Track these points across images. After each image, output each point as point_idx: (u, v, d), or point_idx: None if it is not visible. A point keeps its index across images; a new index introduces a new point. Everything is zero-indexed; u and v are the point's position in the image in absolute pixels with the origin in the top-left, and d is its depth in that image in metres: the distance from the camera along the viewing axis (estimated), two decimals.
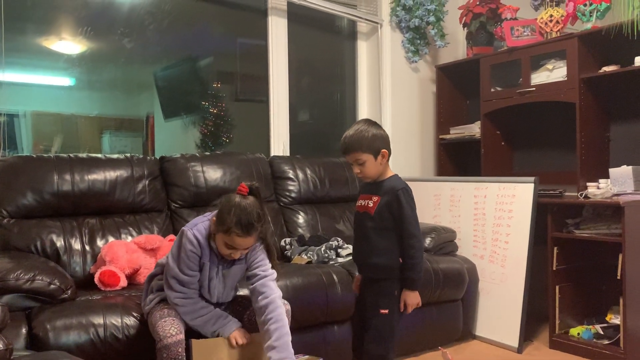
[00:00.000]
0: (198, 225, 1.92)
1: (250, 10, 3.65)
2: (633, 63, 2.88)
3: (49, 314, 1.95)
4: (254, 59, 3.75)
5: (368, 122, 2.09)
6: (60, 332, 1.89)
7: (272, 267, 2.01)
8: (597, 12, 3.05)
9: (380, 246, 2.06)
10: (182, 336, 1.84)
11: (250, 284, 1.99)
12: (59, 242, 2.51)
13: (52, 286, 2.06)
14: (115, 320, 1.98)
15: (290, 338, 1.90)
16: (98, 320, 1.96)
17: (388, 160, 2.09)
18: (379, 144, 2.04)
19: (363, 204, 2.12)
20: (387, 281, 2.06)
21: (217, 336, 1.93)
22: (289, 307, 2.07)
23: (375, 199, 2.08)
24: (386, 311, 2.05)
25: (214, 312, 1.95)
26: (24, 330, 1.88)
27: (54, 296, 2.06)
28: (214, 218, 1.89)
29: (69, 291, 2.10)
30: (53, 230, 2.53)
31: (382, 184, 2.09)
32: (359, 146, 2.03)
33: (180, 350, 1.82)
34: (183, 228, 1.93)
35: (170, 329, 1.84)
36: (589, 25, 3.07)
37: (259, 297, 1.93)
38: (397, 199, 2.03)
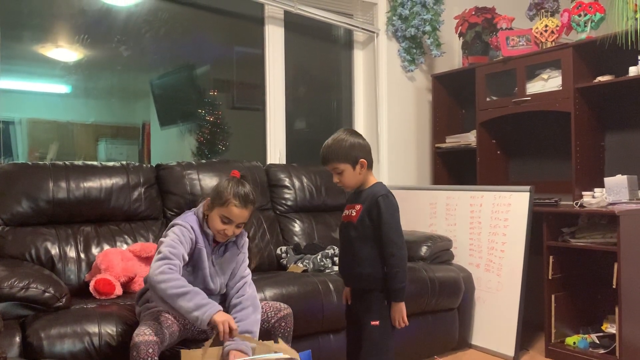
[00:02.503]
0: (187, 217, 2.01)
1: (247, 19, 3.67)
2: (627, 73, 2.91)
3: (43, 322, 1.93)
4: (250, 67, 3.77)
5: (347, 131, 2.08)
6: (54, 340, 1.87)
7: (250, 259, 2.15)
8: (591, 23, 3.08)
9: (363, 256, 2.02)
10: (154, 338, 1.80)
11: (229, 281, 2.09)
12: (54, 250, 2.50)
13: (47, 294, 2.04)
14: (110, 329, 1.97)
15: (250, 334, 1.96)
16: (93, 329, 1.95)
17: (370, 168, 2.07)
18: (356, 153, 2.02)
19: (347, 213, 2.10)
20: (375, 292, 2.02)
21: (195, 316, 1.81)
22: (290, 310, 2.15)
23: (358, 207, 2.05)
24: (377, 323, 2.00)
25: (194, 288, 1.86)
26: (18, 339, 1.87)
27: (49, 304, 2.04)
28: (208, 198, 2.00)
29: (64, 299, 2.09)
30: (48, 238, 2.52)
31: (364, 192, 2.07)
32: (336, 156, 2.02)
33: (151, 351, 1.78)
34: (174, 221, 1.99)
35: (145, 329, 1.83)
36: (583, 36, 3.09)
37: (234, 296, 2.06)
38: (376, 205, 2.00)
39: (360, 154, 2.03)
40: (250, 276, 2.12)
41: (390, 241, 1.98)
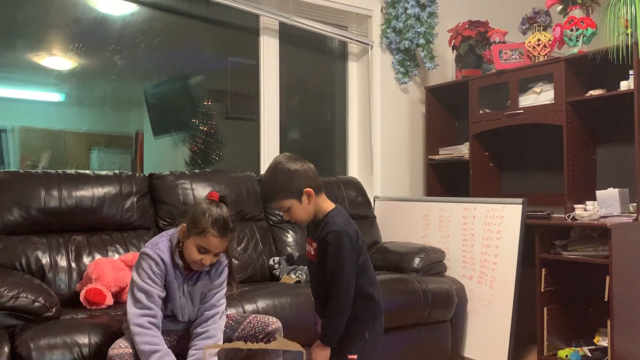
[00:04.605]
0: (159, 245, 1.89)
1: (242, 30, 3.68)
2: (619, 87, 2.93)
3: (32, 332, 1.91)
4: (245, 77, 3.77)
5: (284, 159, 1.83)
6: (43, 351, 1.85)
7: (230, 284, 2.02)
8: (583, 37, 3.11)
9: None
10: (129, 351, 1.79)
11: (200, 306, 1.98)
12: (45, 259, 2.48)
13: (37, 304, 2.03)
14: (100, 339, 1.95)
15: None
16: (83, 339, 1.93)
17: (319, 194, 1.84)
18: (298, 183, 1.78)
19: (308, 249, 1.92)
20: (354, 323, 1.84)
21: None
22: (279, 324, 2.07)
23: (314, 245, 1.86)
24: (354, 356, 1.82)
25: (165, 349, 1.82)
26: (6, 349, 1.85)
27: (38, 314, 2.03)
28: (184, 225, 1.87)
29: (54, 309, 2.07)
30: (39, 247, 2.50)
31: (319, 224, 1.85)
32: (276, 194, 1.81)
33: None
34: (144, 248, 1.89)
35: (121, 342, 1.83)
36: (575, 50, 3.13)
37: (202, 324, 1.95)
38: (325, 244, 1.79)
39: (302, 183, 1.79)
40: (224, 306, 2.01)
41: (332, 282, 1.78)
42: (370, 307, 1.87)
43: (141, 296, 1.83)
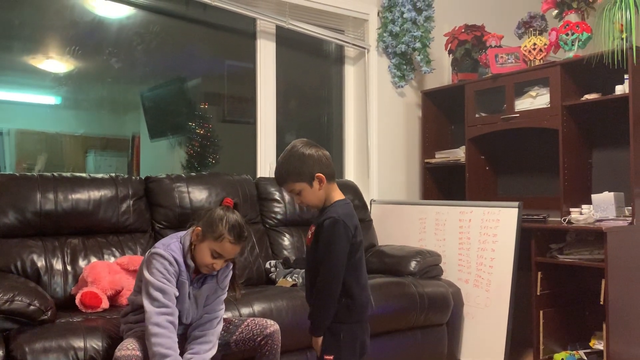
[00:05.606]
0: (171, 246, 1.91)
1: (239, 33, 3.69)
2: (614, 91, 2.95)
3: (27, 336, 1.90)
4: (241, 81, 3.77)
5: (299, 143, 1.86)
6: (39, 355, 1.84)
7: (234, 289, 2.05)
8: (578, 42, 3.13)
9: (315, 284, 1.82)
10: (137, 353, 1.79)
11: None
12: (40, 262, 2.47)
13: (32, 307, 2.02)
14: (96, 343, 1.95)
15: None
16: (78, 343, 1.92)
17: (331, 181, 1.85)
18: (310, 168, 1.80)
19: (308, 234, 1.90)
20: (332, 322, 1.82)
21: None
22: (277, 327, 2.08)
23: (312, 229, 1.86)
24: (331, 357, 1.81)
25: (177, 356, 1.83)
26: (1, 353, 1.84)
27: (34, 318, 2.02)
28: (198, 228, 1.89)
29: (49, 313, 2.06)
30: (34, 250, 2.49)
31: (323, 211, 1.86)
32: (288, 176, 1.83)
33: None
34: (155, 249, 1.89)
35: (128, 344, 1.82)
36: (571, 54, 3.14)
37: (199, 327, 1.98)
38: (321, 230, 1.79)
39: (315, 168, 1.81)
40: (223, 311, 2.04)
41: (320, 271, 1.78)
42: (349, 308, 1.83)
43: (158, 295, 1.83)
